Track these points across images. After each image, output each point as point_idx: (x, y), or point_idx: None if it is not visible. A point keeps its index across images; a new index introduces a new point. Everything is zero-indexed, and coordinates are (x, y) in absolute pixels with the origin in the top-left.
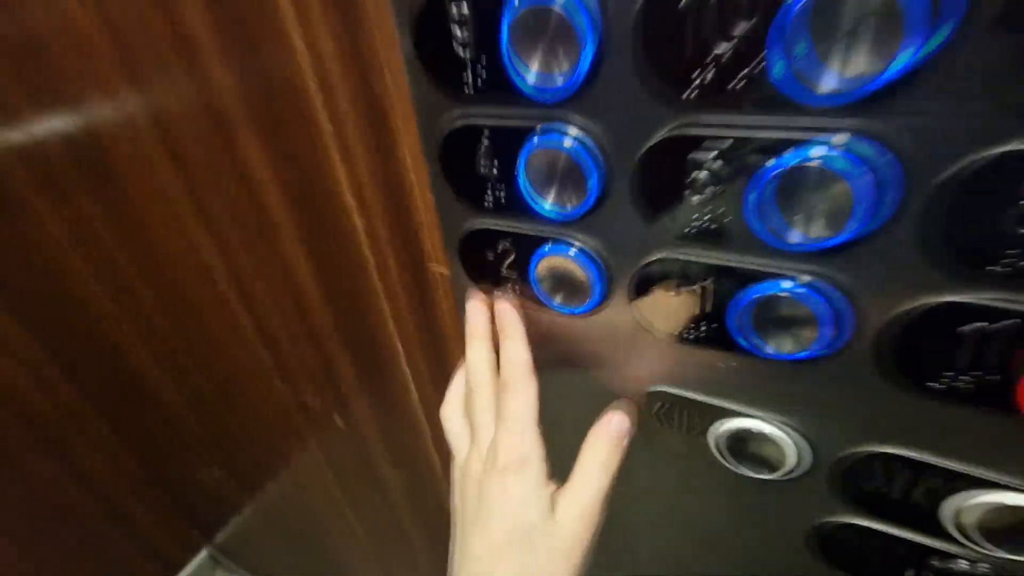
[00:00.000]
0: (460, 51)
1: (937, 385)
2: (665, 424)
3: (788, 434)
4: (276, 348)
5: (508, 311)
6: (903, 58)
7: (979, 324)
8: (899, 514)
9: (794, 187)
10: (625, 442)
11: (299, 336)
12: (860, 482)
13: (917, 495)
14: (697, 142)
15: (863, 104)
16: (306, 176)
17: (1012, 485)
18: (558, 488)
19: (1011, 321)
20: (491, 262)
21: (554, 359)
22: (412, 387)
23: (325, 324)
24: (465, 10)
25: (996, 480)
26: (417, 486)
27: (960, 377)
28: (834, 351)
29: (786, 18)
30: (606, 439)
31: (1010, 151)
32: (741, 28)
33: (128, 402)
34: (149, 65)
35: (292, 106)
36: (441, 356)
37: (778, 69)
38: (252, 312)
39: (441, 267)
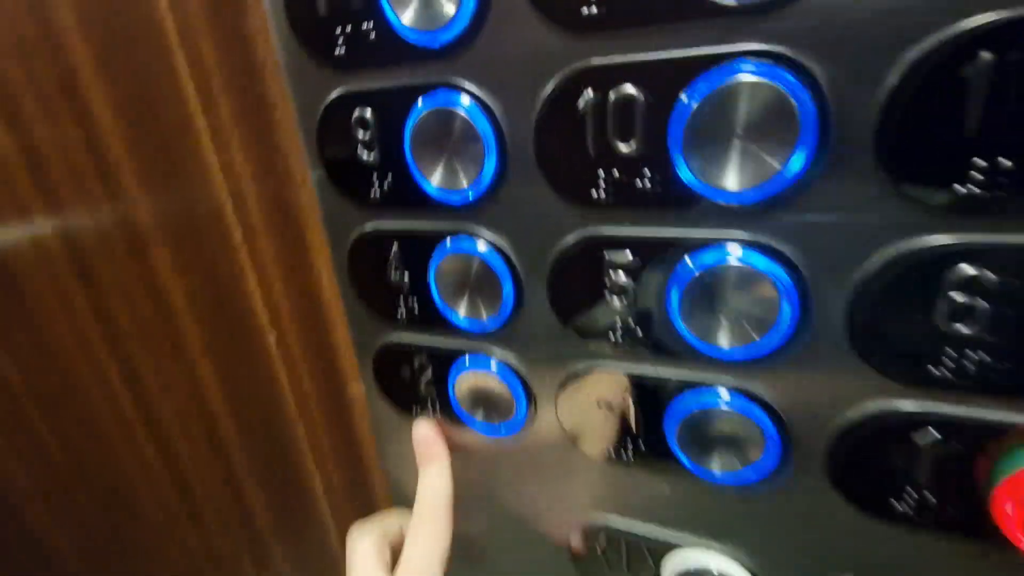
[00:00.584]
0: (365, 156)
1: (899, 507)
2: (612, 567)
3: (747, 570)
4: (185, 485)
5: (425, 436)
6: (796, 162)
7: (932, 435)
8: None
9: (717, 287)
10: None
11: (209, 466)
12: None
13: None
14: (611, 243)
15: (764, 206)
16: (218, 294)
17: None
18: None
19: (962, 431)
20: (408, 380)
21: (481, 487)
22: (331, 524)
23: (235, 452)
24: (368, 114)
25: None
26: None
27: (922, 494)
28: (782, 469)
29: (680, 125)
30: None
31: (927, 247)
32: (641, 132)
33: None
34: (67, 189)
35: (207, 224)
36: (362, 486)
37: (682, 170)
38: (160, 443)
39: (358, 387)
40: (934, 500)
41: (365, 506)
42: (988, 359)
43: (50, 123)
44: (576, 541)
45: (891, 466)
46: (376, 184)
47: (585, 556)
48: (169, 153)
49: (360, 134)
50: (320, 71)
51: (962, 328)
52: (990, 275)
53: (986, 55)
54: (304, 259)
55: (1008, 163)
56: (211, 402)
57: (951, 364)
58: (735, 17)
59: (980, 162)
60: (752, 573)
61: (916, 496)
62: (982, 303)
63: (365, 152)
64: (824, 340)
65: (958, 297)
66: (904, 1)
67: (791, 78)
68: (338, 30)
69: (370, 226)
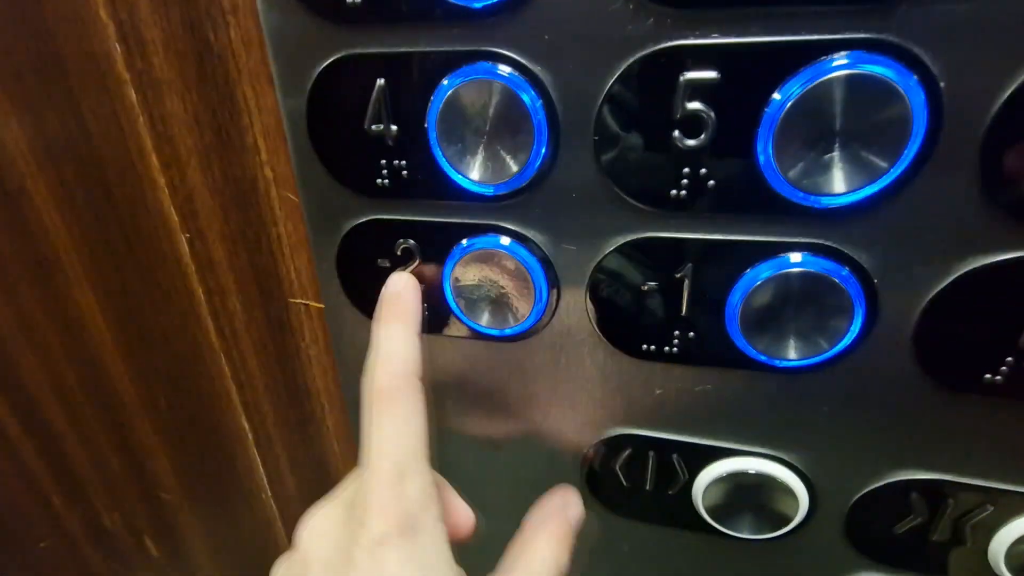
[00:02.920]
0: None
1: (995, 378)
2: (631, 482)
3: (795, 473)
4: (53, 444)
5: (400, 290)
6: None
7: None
8: (937, 560)
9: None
10: (577, 531)
11: (91, 421)
12: (885, 524)
13: (961, 531)
14: (691, 53)
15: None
16: (103, 177)
17: None
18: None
19: None
20: (386, 275)
21: (478, 406)
22: (265, 484)
23: (131, 401)
24: None
25: None
26: None
27: (1019, 363)
28: (866, 342)
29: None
30: (559, 525)
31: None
32: None
33: None
34: None
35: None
36: (307, 433)
37: None
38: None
39: (308, 299)
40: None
41: (309, 453)
42: None
43: None
44: (595, 455)
45: (981, 332)
46: None
47: (600, 471)
48: None
49: None
50: None
51: None
52: None
53: None
54: (232, 108)
55: None
56: (94, 337)
57: None
58: None
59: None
60: (798, 471)
61: (1009, 364)
62: None
63: None
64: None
65: None
66: None
67: None
68: None
69: (345, 49)
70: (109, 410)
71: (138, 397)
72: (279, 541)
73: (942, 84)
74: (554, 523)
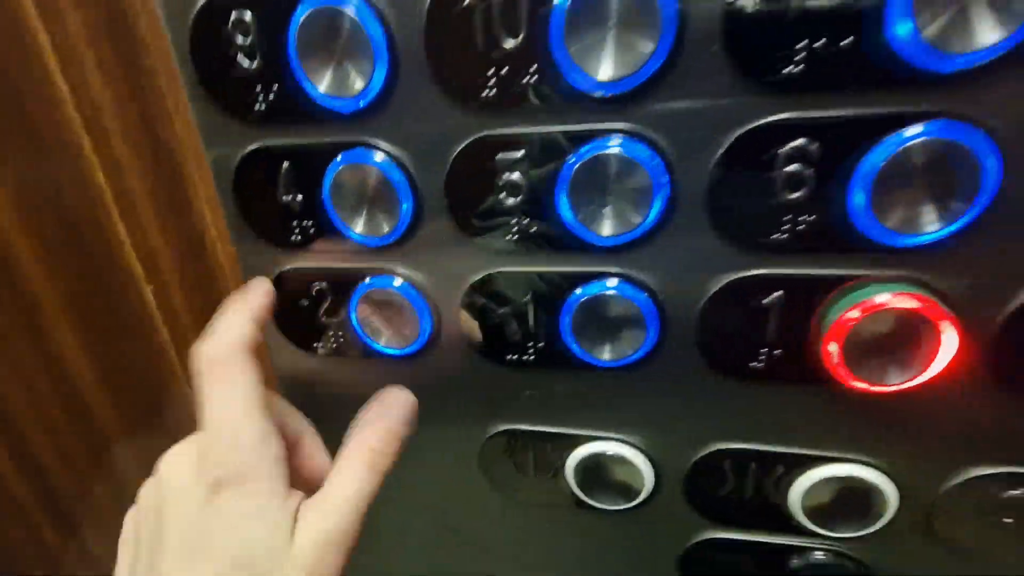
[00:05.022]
0: (245, 64)
1: (756, 365)
2: (520, 469)
3: (640, 452)
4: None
5: (249, 286)
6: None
7: (774, 295)
8: (755, 516)
9: (597, 177)
10: (405, 433)
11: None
12: (713, 488)
13: (766, 489)
14: (502, 144)
15: (630, 97)
16: (81, 247)
17: (842, 457)
18: (304, 499)
19: (796, 286)
20: (306, 310)
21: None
22: None
23: (113, 427)
24: (247, 17)
25: (828, 455)
26: None
27: (772, 353)
28: (660, 347)
29: (556, 20)
30: (383, 427)
31: (757, 126)
32: (523, 28)
33: None
34: None
35: (66, 173)
36: None
37: (563, 64)
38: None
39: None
40: (780, 354)
41: None
42: (815, 219)
43: None
44: (484, 450)
45: (746, 328)
46: (260, 92)
47: (493, 463)
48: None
49: (239, 40)
50: None
51: (793, 195)
52: (813, 146)
53: None
54: (182, 194)
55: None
56: (84, 392)
57: (787, 228)
58: None
59: (800, 45)
60: (641, 450)
61: (767, 353)
62: (809, 171)
63: (246, 58)
64: (688, 219)
65: (789, 168)
66: None
67: None
68: None
69: (255, 140)
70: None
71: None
72: None
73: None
74: (374, 418)
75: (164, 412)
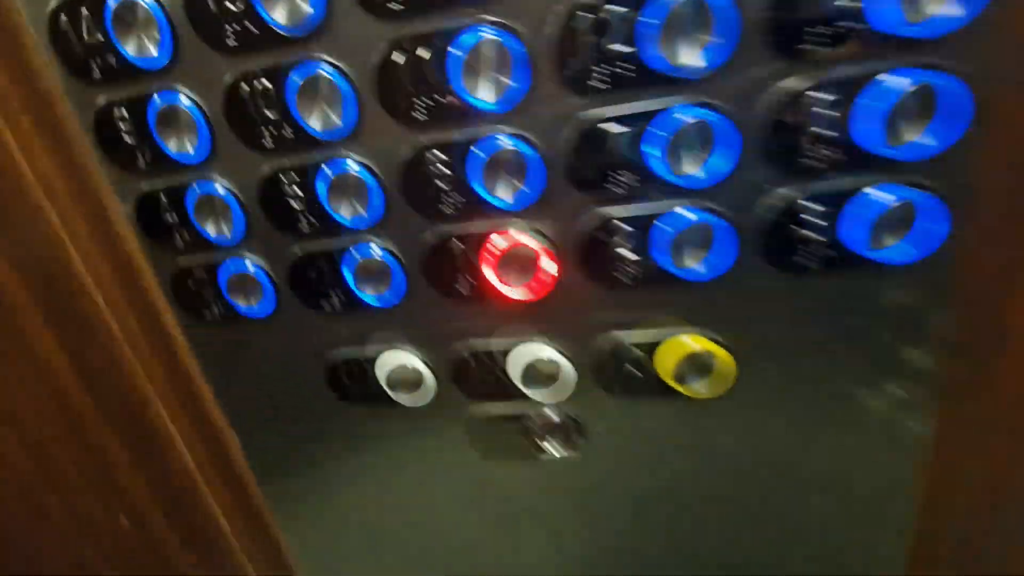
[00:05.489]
0: None
1: (461, 289)
2: (483, 379)
3: (422, 363)
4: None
5: None
6: None
7: (455, 244)
8: (505, 391)
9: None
10: None
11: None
12: (470, 377)
13: (499, 371)
14: None
15: None
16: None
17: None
18: None
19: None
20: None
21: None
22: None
23: (87, 411)
24: None
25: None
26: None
27: (468, 280)
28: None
29: None
30: None
31: None
32: None
33: None
34: None
35: None
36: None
37: None
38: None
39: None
40: (471, 280)
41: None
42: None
43: None
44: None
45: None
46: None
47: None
48: None
49: None
50: None
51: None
52: None
53: None
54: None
55: None
56: (54, 365)
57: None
58: None
59: None
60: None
61: (469, 282)
62: None
63: None
64: None
65: None
66: None
67: None
68: None
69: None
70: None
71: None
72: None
73: None
74: None
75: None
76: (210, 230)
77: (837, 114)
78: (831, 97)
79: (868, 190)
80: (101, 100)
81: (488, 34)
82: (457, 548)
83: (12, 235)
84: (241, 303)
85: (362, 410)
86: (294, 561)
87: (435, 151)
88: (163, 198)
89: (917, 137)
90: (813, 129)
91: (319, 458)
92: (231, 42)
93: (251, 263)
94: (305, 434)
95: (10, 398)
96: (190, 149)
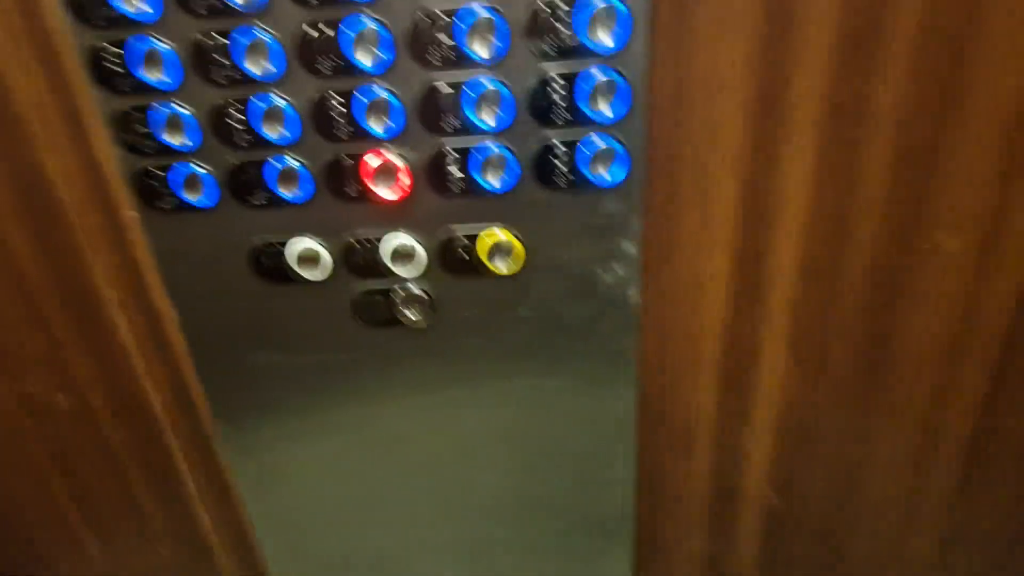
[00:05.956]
0: None
1: (352, 191)
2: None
3: (322, 247)
4: None
5: None
6: None
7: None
8: (378, 270)
9: None
10: None
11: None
12: (355, 257)
13: (375, 253)
14: None
15: None
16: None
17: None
18: None
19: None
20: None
21: None
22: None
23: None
24: None
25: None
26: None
27: (359, 187)
28: None
29: None
30: None
31: None
32: None
33: None
34: None
35: None
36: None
37: None
38: None
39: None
40: (360, 186)
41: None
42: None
43: None
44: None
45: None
46: None
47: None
48: None
49: None
50: None
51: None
52: None
53: None
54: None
55: None
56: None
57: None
58: None
59: None
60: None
61: (359, 187)
62: None
63: None
64: None
65: None
66: None
67: None
68: None
69: None
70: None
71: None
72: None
73: None
74: None
75: None
76: (172, 141)
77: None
78: (566, 82)
79: (586, 138)
80: None
81: None
82: (344, 389)
83: None
84: (190, 197)
85: (275, 286)
86: (215, 425)
87: (335, 96)
88: (138, 115)
89: (606, 109)
90: (554, 98)
91: (240, 326)
92: None
93: (199, 167)
94: (231, 308)
95: None
96: (167, 78)
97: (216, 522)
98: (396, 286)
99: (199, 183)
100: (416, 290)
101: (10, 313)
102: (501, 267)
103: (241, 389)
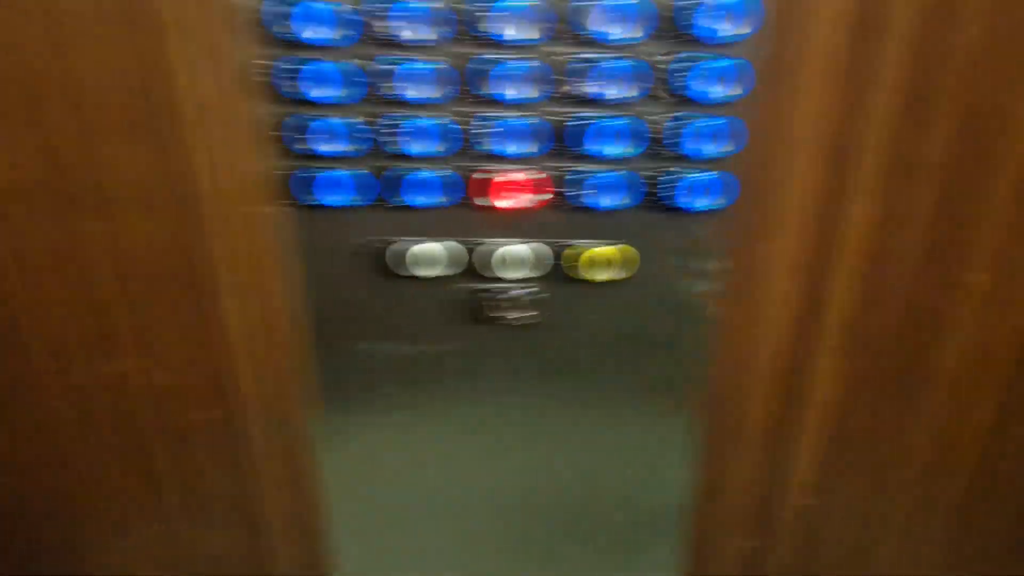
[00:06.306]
0: None
1: (502, 201)
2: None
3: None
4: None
5: None
6: None
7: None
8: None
9: None
10: None
11: None
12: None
13: (489, 258)
14: None
15: None
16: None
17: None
18: None
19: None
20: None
21: None
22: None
23: (160, 268)
24: None
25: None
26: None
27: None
28: None
29: None
30: None
31: None
32: None
33: None
34: None
35: None
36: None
37: None
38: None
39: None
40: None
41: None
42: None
43: None
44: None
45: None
46: None
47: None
48: None
49: None
50: None
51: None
52: None
53: None
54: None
55: None
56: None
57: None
58: None
59: None
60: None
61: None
62: None
63: None
64: None
65: None
66: None
67: None
68: None
69: None
70: None
71: None
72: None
73: None
74: None
75: None
76: (327, 148)
77: (678, 133)
78: (679, 125)
79: (691, 171)
80: None
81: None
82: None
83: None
84: (332, 198)
85: (394, 281)
86: (311, 412)
87: (478, 121)
88: (301, 124)
89: (710, 149)
90: (669, 138)
91: (354, 316)
92: None
93: (346, 171)
94: (349, 299)
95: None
96: (332, 92)
97: (284, 511)
98: (507, 288)
99: (343, 185)
100: (524, 292)
101: (117, 293)
102: (602, 277)
103: (343, 376)
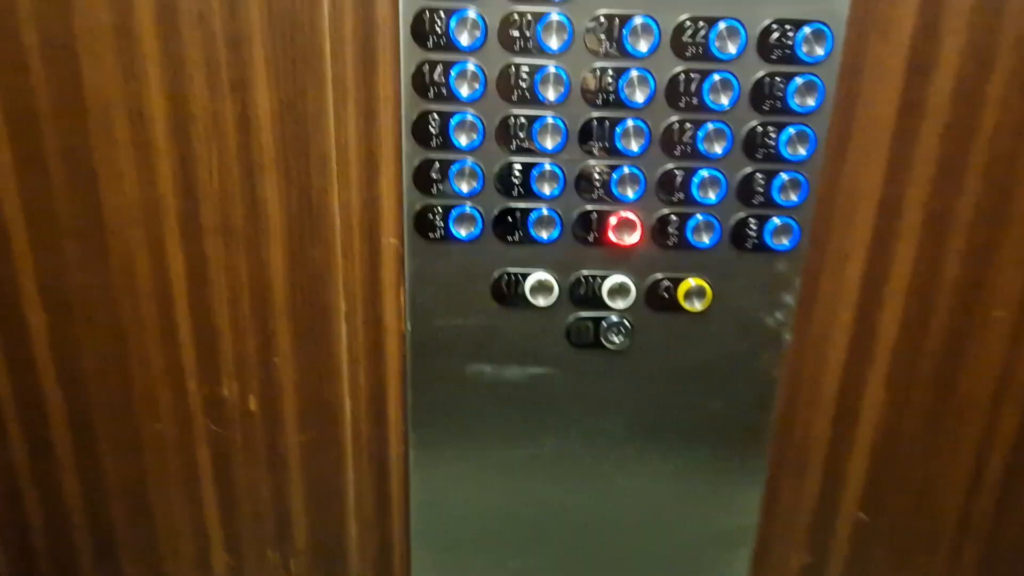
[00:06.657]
0: None
1: (597, 235)
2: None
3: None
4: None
5: None
6: None
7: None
8: (596, 302)
9: None
10: None
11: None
12: (578, 291)
13: (596, 288)
14: None
15: None
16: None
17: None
18: None
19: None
20: None
21: None
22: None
23: (276, 296)
24: None
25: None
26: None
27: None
28: None
29: None
30: None
31: None
32: None
33: None
34: None
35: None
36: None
37: None
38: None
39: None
40: (595, 233)
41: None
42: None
43: None
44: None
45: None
46: None
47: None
48: None
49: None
50: None
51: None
52: None
53: None
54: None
55: None
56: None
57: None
58: None
59: None
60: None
61: (595, 232)
62: None
63: None
64: None
65: None
66: None
67: None
68: None
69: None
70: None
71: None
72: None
73: None
74: None
75: None
76: (460, 188)
77: (764, 185)
78: (765, 178)
79: (772, 216)
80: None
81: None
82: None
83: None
84: (458, 232)
85: (505, 308)
86: (409, 435)
87: (597, 168)
88: (441, 166)
89: (788, 198)
90: (756, 188)
91: (464, 340)
92: None
93: (474, 208)
94: (461, 325)
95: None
96: (473, 139)
97: (363, 534)
98: (606, 315)
99: (469, 220)
100: (622, 320)
101: (229, 318)
102: (693, 307)
103: (447, 398)
